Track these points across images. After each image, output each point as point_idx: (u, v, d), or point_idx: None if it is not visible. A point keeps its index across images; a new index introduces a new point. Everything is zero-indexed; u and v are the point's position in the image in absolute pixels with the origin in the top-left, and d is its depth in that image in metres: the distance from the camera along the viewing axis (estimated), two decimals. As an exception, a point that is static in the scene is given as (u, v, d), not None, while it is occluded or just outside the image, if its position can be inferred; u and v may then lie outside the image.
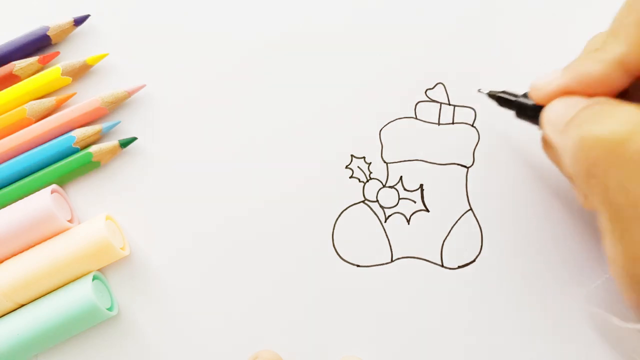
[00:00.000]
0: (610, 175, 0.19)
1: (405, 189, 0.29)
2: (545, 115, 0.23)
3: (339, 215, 0.29)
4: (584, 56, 0.22)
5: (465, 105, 0.29)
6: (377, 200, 0.29)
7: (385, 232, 0.28)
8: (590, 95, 0.22)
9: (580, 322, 0.26)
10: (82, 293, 0.27)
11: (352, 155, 0.29)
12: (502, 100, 0.26)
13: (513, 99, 0.25)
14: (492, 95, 0.26)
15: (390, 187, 0.29)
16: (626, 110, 0.19)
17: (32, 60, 0.31)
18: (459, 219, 0.28)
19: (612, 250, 0.20)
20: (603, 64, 0.21)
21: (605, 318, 0.23)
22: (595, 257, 0.27)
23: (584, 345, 0.26)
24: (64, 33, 0.31)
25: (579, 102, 0.22)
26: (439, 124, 0.29)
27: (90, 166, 0.29)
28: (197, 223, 0.29)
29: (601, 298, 0.25)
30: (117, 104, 0.30)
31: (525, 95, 0.25)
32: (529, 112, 0.24)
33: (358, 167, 0.29)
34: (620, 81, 0.21)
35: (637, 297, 0.20)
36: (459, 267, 0.28)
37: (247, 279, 0.28)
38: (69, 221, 0.28)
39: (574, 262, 0.27)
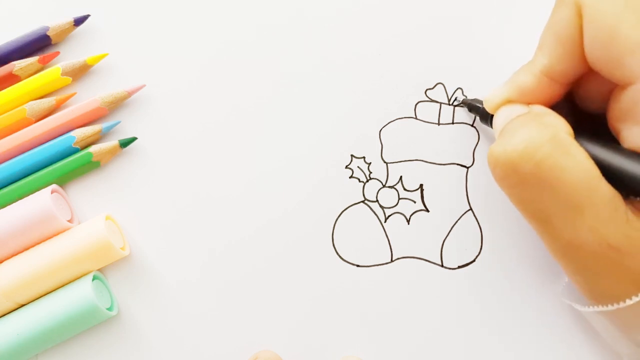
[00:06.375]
0: (512, 190, 0.22)
1: (405, 189, 0.29)
2: (493, 123, 0.25)
3: (339, 215, 0.29)
4: (520, 69, 0.24)
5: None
6: (377, 200, 0.29)
7: (385, 232, 0.28)
8: (529, 104, 0.24)
9: (580, 321, 0.26)
10: (82, 293, 0.27)
11: (352, 155, 0.29)
12: (470, 106, 0.28)
13: (480, 106, 0.27)
14: (464, 102, 0.28)
15: (390, 187, 0.29)
16: (527, 129, 0.21)
17: (32, 60, 0.31)
18: (459, 219, 0.28)
19: (543, 240, 0.22)
20: (532, 75, 0.23)
21: (572, 305, 0.24)
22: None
23: (584, 344, 0.26)
24: (64, 33, 0.31)
25: (515, 110, 0.23)
26: (439, 124, 0.29)
27: (90, 166, 0.29)
28: (197, 223, 0.29)
29: (575, 291, 0.25)
30: (117, 104, 0.30)
31: None
32: (490, 119, 0.26)
33: (358, 167, 0.29)
34: (551, 90, 0.23)
35: (581, 280, 0.21)
36: (459, 267, 0.28)
37: (247, 278, 0.28)
38: (69, 221, 0.28)
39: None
